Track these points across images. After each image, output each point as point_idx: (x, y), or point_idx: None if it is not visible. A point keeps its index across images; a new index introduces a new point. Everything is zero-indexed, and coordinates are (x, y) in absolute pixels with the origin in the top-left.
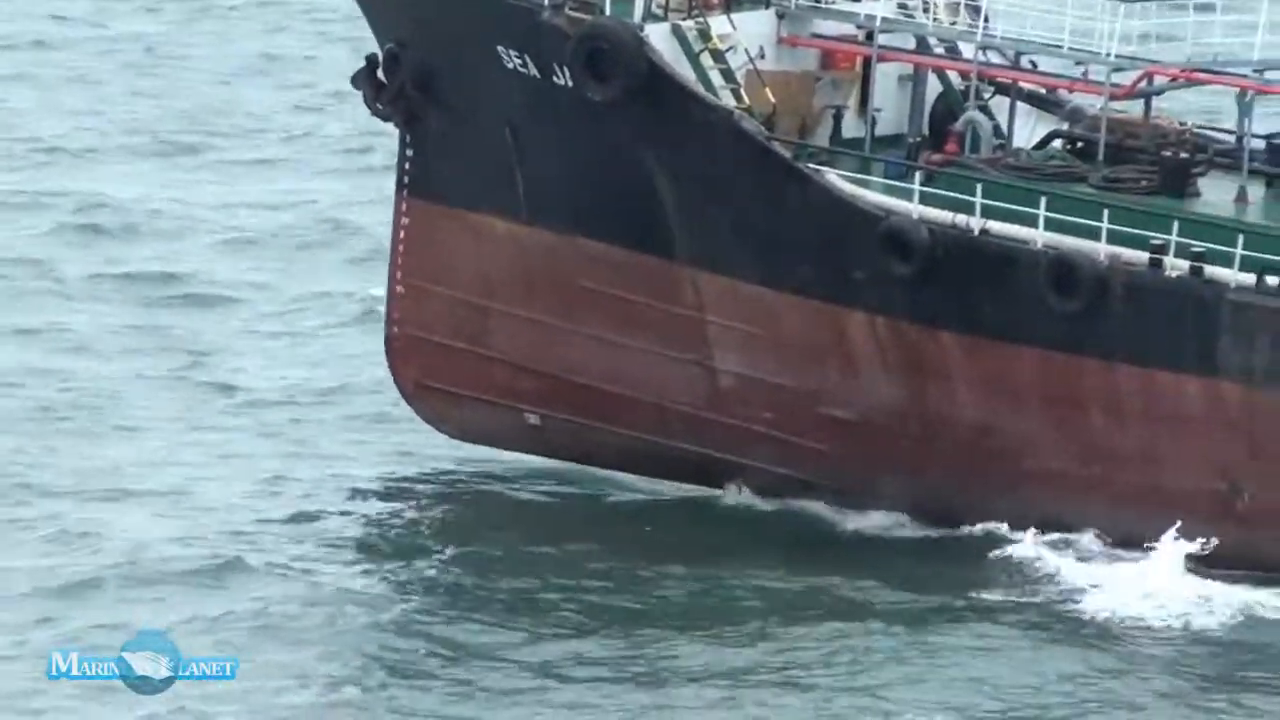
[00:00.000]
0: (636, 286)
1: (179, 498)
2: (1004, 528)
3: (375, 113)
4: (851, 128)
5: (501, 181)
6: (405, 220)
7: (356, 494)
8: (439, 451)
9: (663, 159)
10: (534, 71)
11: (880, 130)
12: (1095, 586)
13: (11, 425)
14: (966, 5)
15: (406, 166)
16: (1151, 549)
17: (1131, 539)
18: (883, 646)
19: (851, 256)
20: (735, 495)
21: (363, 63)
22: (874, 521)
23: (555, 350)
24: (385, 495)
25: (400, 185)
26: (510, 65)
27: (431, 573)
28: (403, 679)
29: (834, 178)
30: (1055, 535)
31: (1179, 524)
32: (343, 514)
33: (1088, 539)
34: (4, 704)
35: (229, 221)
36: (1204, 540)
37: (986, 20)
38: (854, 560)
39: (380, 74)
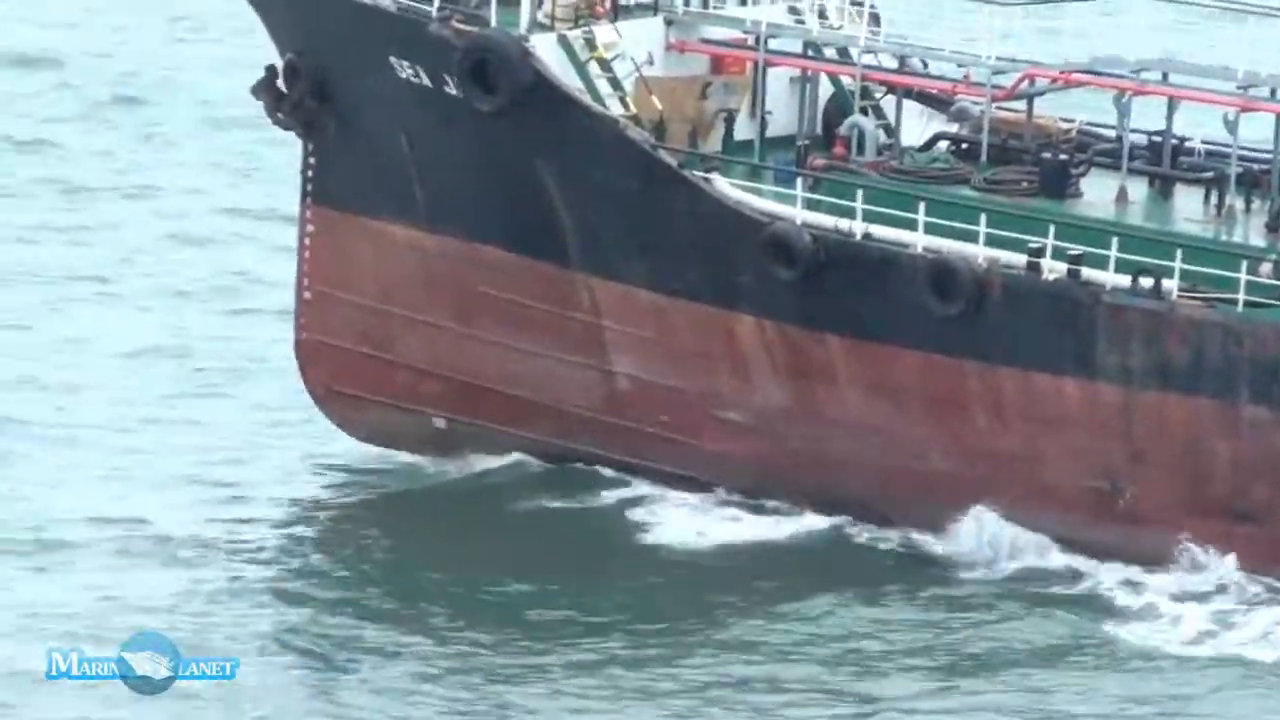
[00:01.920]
0: (534, 293)
1: (175, 499)
2: (889, 525)
3: (276, 122)
4: (744, 130)
5: (400, 189)
6: (310, 228)
7: (320, 502)
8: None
9: (553, 168)
10: (426, 81)
11: (772, 132)
12: (971, 579)
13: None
14: (854, 7)
15: (309, 175)
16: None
17: (1012, 536)
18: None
19: (738, 262)
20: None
21: (263, 73)
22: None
23: (457, 355)
24: (359, 503)
25: (304, 193)
26: (403, 75)
27: (412, 577)
28: (401, 680)
29: (721, 184)
30: (939, 532)
31: (1060, 522)
32: (310, 521)
33: (969, 535)
34: (4, 704)
35: (138, 217)
36: (1088, 538)
37: (879, 24)
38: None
39: (280, 84)
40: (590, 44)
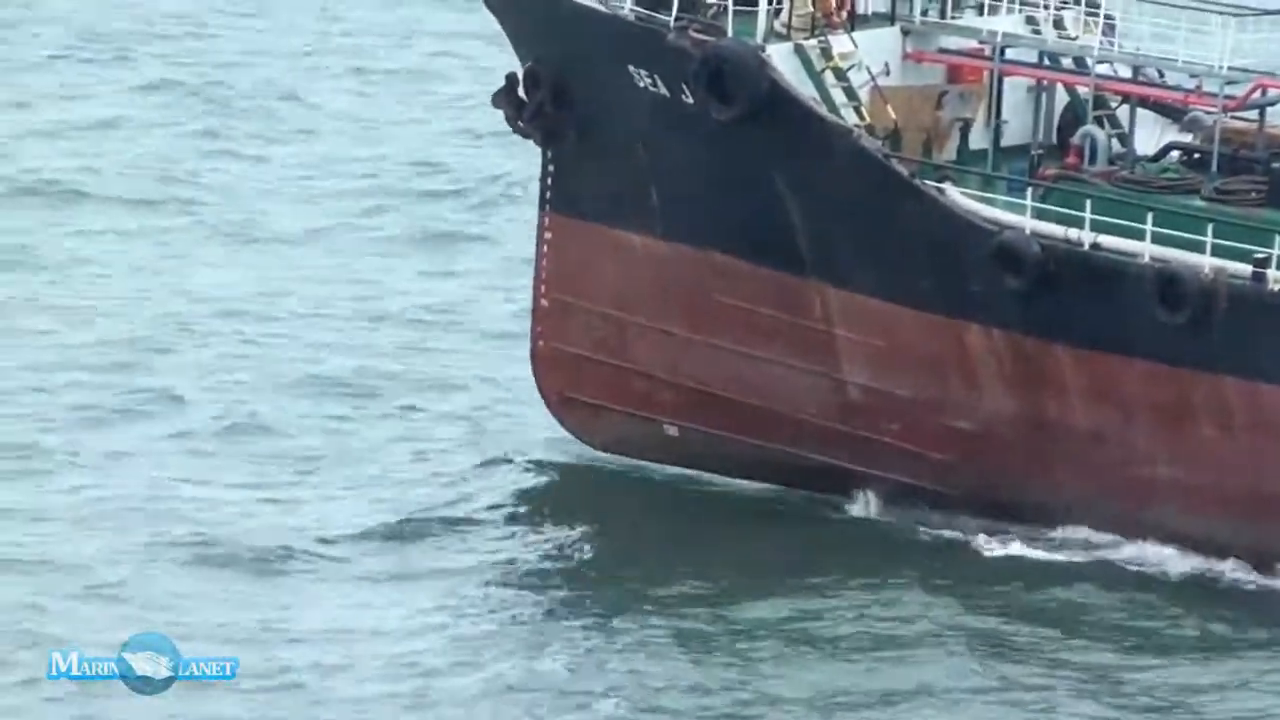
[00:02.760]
0: (768, 301)
1: (190, 497)
2: (1114, 536)
3: (516, 130)
4: (979, 140)
5: (637, 198)
6: (548, 235)
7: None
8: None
9: (787, 177)
10: (663, 90)
11: (1008, 141)
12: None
13: (22, 420)
14: (1089, 17)
15: (548, 183)
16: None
17: (1236, 547)
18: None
19: (967, 271)
20: (864, 508)
21: (503, 82)
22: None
23: (691, 363)
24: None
25: (543, 201)
26: (641, 84)
27: (466, 569)
28: (403, 679)
29: (953, 193)
30: (1162, 544)
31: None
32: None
33: (1195, 547)
34: (4, 704)
35: (374, 225)
36: None
37: (1114, 33)
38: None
39: (521, 92)
40: (826, 54)
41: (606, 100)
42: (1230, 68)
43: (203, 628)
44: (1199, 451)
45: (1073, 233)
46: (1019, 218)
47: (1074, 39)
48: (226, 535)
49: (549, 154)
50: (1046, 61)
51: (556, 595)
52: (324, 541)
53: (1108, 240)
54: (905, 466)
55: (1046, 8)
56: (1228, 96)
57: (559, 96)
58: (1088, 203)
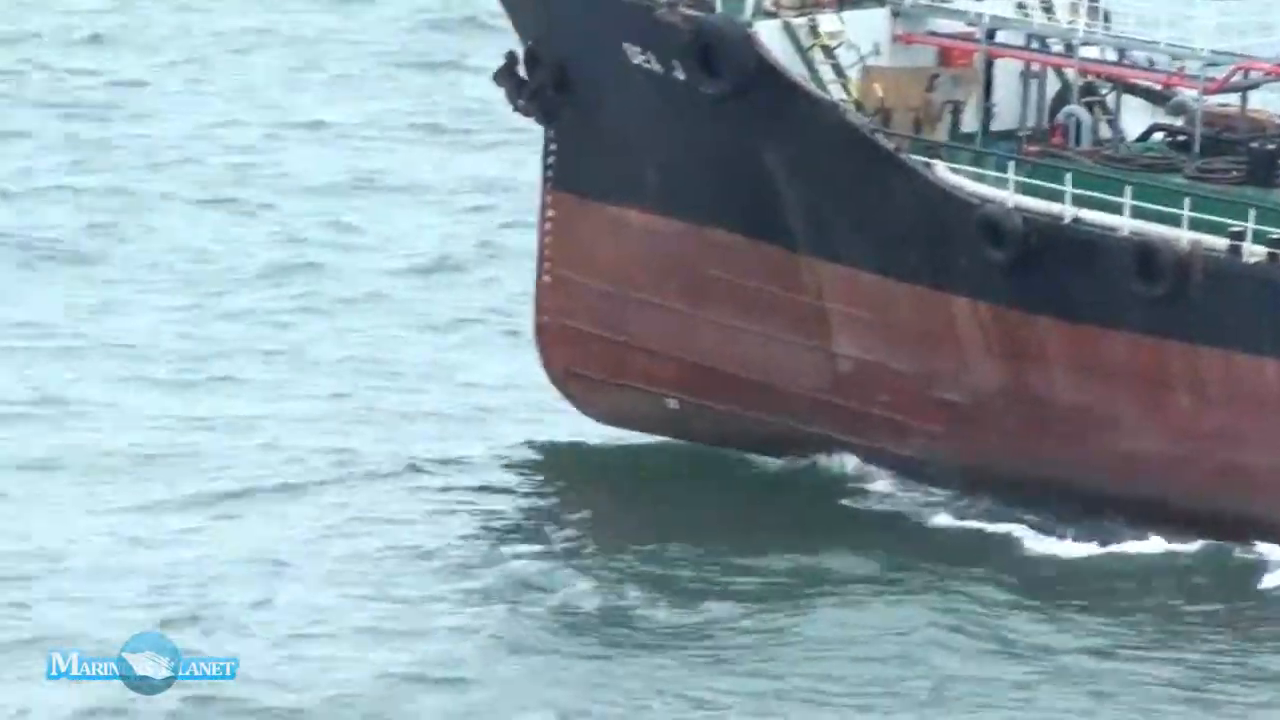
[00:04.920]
0: (761, 275)
1: (181, 498)
2: (1097, 506)
3: (517, 109)
4: (971, 122)
5: (634, 173)
6: (550, 213)
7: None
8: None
9: (776, 152)
10: (657, 67)
11: (999, 125)
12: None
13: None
14: (1077, 3)
15: (550, 161)
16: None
17: (1213, 517)
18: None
19: (953, 244)
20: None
21: (503, 60)
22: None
23: (688, 337)
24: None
25: (545, 179)
26: (636, 61)
27: (450, 564)
28: (400, 679)
29: (940, 169)
30: (1142, 518)
31: (1256, 501)
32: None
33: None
34: (4, 704)
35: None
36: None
37: (1107, 19)
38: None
39: (521, 71)
40: (814, 31)
41: (604, 78)
42: (1212, 50)
43: (203, 628)
44: (1176, 422)
45: (1055, 207)
46: (1002, 192)
47: (1069, 23)
48: (225, 534)
49: (550, 132)
50: (1035, 45)
51: (553, 591)
52: (322, 539)
53: (1088, 214)
54: (895, 438)
55: None
56: (1208, 79)
57: (559, 75)
58: (1068, 177)
